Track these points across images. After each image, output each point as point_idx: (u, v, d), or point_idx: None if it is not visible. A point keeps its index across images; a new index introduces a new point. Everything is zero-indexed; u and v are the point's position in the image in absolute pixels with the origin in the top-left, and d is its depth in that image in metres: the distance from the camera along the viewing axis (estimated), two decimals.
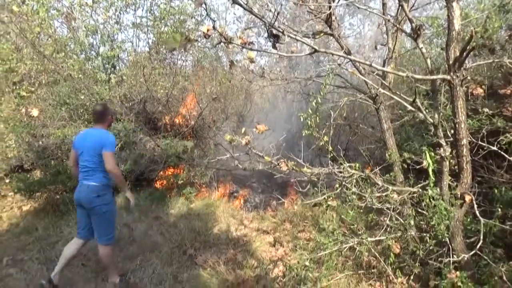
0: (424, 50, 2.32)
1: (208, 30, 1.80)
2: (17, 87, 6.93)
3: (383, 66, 3.78)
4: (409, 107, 2.67)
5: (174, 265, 4.07)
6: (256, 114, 9.46)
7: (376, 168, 3.39)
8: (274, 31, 1.65)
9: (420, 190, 2.99)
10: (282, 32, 1.65)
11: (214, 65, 7.47)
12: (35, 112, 6.16)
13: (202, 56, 7.33)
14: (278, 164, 3.24)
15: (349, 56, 2.24)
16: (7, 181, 6.39)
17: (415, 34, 2.35)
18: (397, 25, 3.21)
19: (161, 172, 6.32)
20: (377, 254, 3.38)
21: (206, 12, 1.65)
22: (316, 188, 3.44)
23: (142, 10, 7.07)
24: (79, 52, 6.81)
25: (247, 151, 3.28)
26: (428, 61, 2.40)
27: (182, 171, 6.55)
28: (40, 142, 5.76)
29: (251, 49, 1.90)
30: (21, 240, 4.77)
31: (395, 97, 2.70)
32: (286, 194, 6.82)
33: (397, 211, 3.40)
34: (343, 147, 6.01)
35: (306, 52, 2.24)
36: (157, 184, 6.51)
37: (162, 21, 6.65)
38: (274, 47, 1.76)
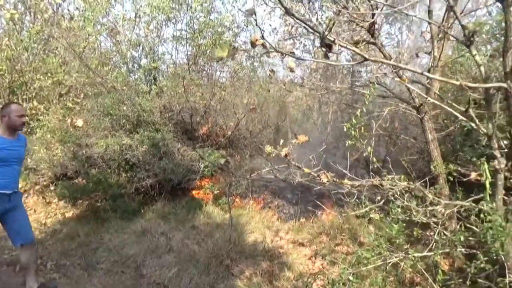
0: (478, 58, 2.22)
1: (256, 40, 1.81)
2: (64, 99, 7.30)
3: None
4: (460, 117, 2.55)
5: (211, 275, 4.07)
6: (291, 125, 9.43)
7: (419, 181, 3.26)
8: (327, 41, 1.63)
9: (473, 204, 2.83)
10: (333, 41, 1.63)
11: (250, 76, 7.55)
12: (79, 123, 6.45)
13: (239, 67, 7.44)
14: (318, 176, 3.18)
15: (399, 64, 2.18)
16: (52, 188, 6.69)
17: (468, 41, 2.26)
18: (447, 32, 3.11)
19: (198, 182, 6.40)
20: (424, 271, 3.23)
21: (255, 22, 1.66)
22: (357, 200, 3.34)
23: (182, 23, 7.29)
24: (122, 65, 7.10)
25: (287, 163, 3.24)
26: (482, 68, 2.29)
27: (217, 181, 6.59)
28: (84, 151, 5.99)
29: (297, 58, 1.89)
30: (64, 246, 4.94)
31: (444, 106, 2.59)
32: (321, 206, 6.70)
33: (443, 226, 3.24)
34: (381, 158, 5.84)
35: (354, 62, 2.19)
36: (193, 194, 6.59)
37: (201, 33, 6.82)
38: (326, 56, 1.75)
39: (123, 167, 6.03)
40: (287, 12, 1.54)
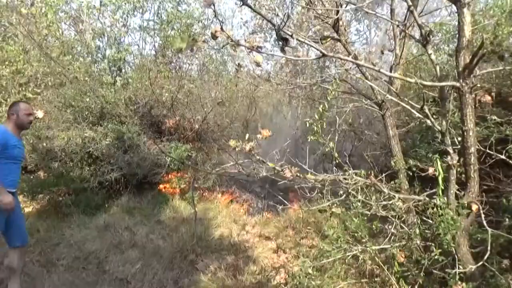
0: (433, 57, 2.29)
1: (216, 32, 1.78)
2: (23, 89, 6.95)
3: (390, 72, 3.74)
4: (417, 114, 2.63)
5: (175, 270, 4.04)
6: (261, 119, 9.45)
7: (381, 175, 3.35)
8: (283, 34, 1.63)
9: (427, 198, 2.94)
10: (291, 36, 1.63)
11: (219, 70, 7.48)
12: (40, 114, 6.15)
13: (208, 60, 7.36)
14: (282, 170, 3.20)
15: (357, 61, 2.21)
16: None
17: (425, 40, 2.32)
18: (406, 31, 3.19)
19: (164, 176, 6.30)
20: (380, 263, 3.33)
21: (214, 13, 1.64)
22: (320, 194, 3.40)
23: (150, 13, 7.11)
24: (85, 55, 6.85)
25: (250, 157, 3.24)
26: (437, 67, 2.37)
27: (185, 175, 6.52)
28: (44, 144, 5.75)
29: (259, 52, 1.88)
30: None
31: (402, 103, 2.67)
32: (289, 200, 6.78)
33: (402, 219, 3.35)
34: (347, 153, 5.97)
35: (312, 58, 2.21)
36: (160, 188, 6.49)
37: (169, 24, 6.69)
38: (282, 50, 1.74)
39: (86, 161, 5.85)
40: (243, 2, 1.52)
